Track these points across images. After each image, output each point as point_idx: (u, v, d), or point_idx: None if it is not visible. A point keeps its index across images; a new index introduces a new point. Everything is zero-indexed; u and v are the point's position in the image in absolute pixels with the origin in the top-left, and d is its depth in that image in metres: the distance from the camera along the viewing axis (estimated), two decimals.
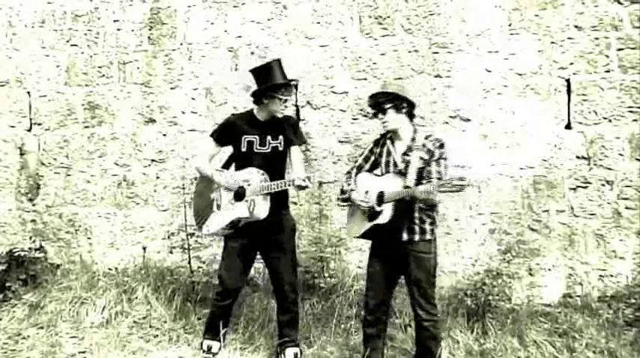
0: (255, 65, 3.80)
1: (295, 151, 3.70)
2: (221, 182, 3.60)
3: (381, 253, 3.40)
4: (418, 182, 3.17)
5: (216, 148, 3.73)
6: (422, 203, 3.23)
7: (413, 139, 3.30)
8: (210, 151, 3.72)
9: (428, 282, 3.28)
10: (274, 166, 3.61)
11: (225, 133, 3.67)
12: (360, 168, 3.49)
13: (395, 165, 3.32)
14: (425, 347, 3.33)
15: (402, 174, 3.23)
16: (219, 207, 3.61)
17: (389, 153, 3.36)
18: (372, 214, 3.31)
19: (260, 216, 3.51)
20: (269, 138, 3.60)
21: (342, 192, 3.50)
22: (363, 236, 3.43)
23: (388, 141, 3.39)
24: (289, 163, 3.70)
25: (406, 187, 3.14)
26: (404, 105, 3.30)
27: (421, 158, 3.21)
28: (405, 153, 3.29)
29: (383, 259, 3.39)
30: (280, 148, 3.64)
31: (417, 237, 3.26)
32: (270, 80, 3.52)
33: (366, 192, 3.33)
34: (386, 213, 3.23)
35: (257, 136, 3.59)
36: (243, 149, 3.59)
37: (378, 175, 3.39)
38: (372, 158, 3.46)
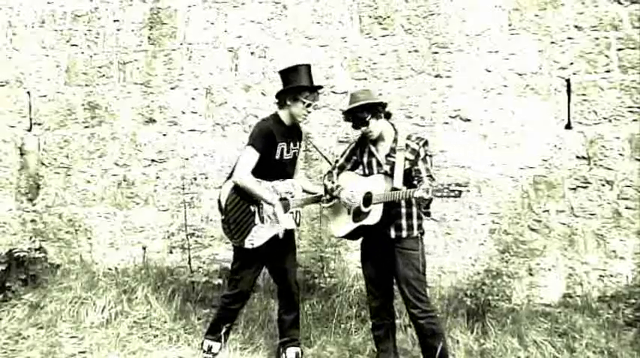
0: (284, 67, 3.68)
1: (298, 160, 3.74)
2: (277, 208, 3.45)
3: (372, 254, 3.38)
4: (406, 183, 3.15)
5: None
6: (418, 203, 3.21)
7: (395, 140, 3.28)
8: (254, 163, 3.46)
9: (417, 279, 3.22)
10: (290, 173, 3.63)
11: (268, 143, 3.47)
12: (342, 168, 3.48)
13: (379, 165, 3.29)
14: (426, 345, 3.31)
15: (389, 175, 3.21)
16: (263, 220, 3.50)
17: (371, 154, 3.33)
18: (357, 214, 3.29)
19: (298, 223, 3.64)
20: (291, 144, 3.59)
21: (327, 191, 3.48)
22: (348, 236, 3.42)
23: (370, 142, 3.35)
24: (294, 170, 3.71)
25: (394, 189, 3.12)
26: (379, 109, 3.27)
27: (407, 158, 3.19)
28: (388, 155, 3.27)
29: (375, 260, 3.37)
30: (297, 155, 3.66)
31: (404, 234, 3.23)
32: (295, 82, 3.50)
33: (351, 192, 3.29)
34: (375, 214, 3.20)
35: (285, 143, 3.55)
36: (277, 156, 3.52)
37: (363, 175, 3.36)
38: (354, 158, 3.44)
